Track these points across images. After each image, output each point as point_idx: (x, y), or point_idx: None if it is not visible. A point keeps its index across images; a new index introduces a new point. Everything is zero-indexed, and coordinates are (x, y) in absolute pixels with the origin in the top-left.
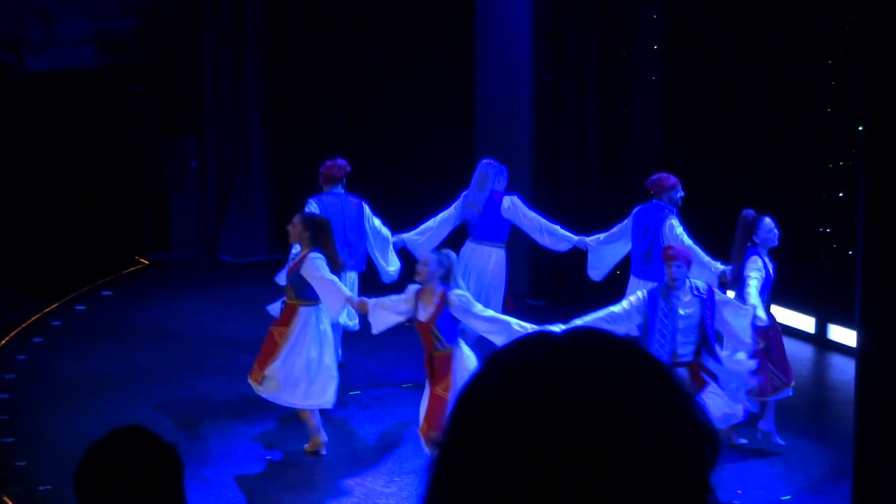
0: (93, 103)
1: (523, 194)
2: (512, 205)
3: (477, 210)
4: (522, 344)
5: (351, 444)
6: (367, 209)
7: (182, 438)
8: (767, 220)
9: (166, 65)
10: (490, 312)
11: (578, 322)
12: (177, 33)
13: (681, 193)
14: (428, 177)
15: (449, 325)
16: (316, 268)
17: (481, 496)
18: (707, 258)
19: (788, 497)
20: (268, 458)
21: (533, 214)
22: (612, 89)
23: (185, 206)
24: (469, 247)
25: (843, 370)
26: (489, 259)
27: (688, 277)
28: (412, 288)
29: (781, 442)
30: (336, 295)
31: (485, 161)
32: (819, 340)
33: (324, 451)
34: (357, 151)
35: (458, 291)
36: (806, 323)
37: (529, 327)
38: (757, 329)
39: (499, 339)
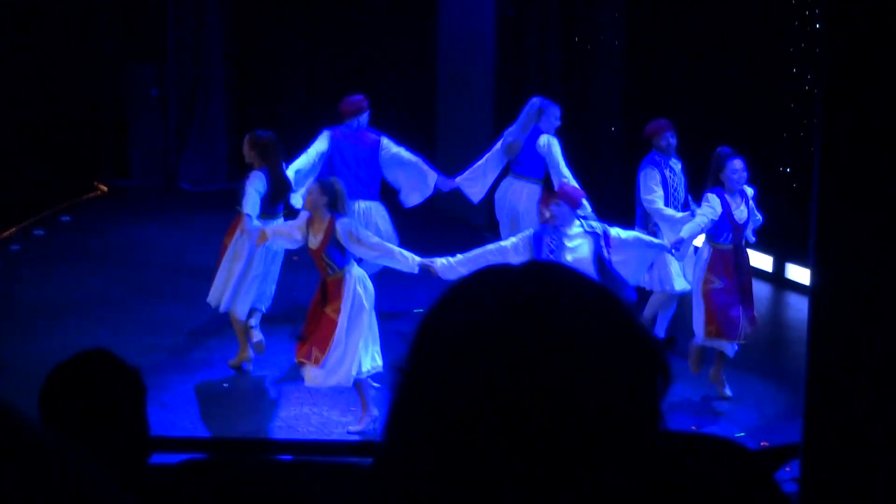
0: (54, 29)
1: (486, 130)
2: (547, 143)
3: (517, 147)
4: (482, 275)
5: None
6: (384, 142)
7: (140, 364)
8: (736, 161)
9: None
10: (375, 239)
11: (464, 256)
12: None
13: (666, 141)
14: (390, 113)
15: (337, 250)
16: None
17: (441, 423)
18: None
19: (742, 434)
20: (225, 385)
21: (559, 159)
22: (574, 23)
23: (145, 133)
24: (506, 181)
25: (800, 309)
26: (522, 194)
27: (577, 217)
28: (303, 215)
29: (729, 394)
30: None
31: (533, 99)
32: (776, 279)
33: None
34: (317, 84)
35: (345, 220)
36: (764, 262)
37: (411, 256)
38: (730, 266)
39: (387, 263)
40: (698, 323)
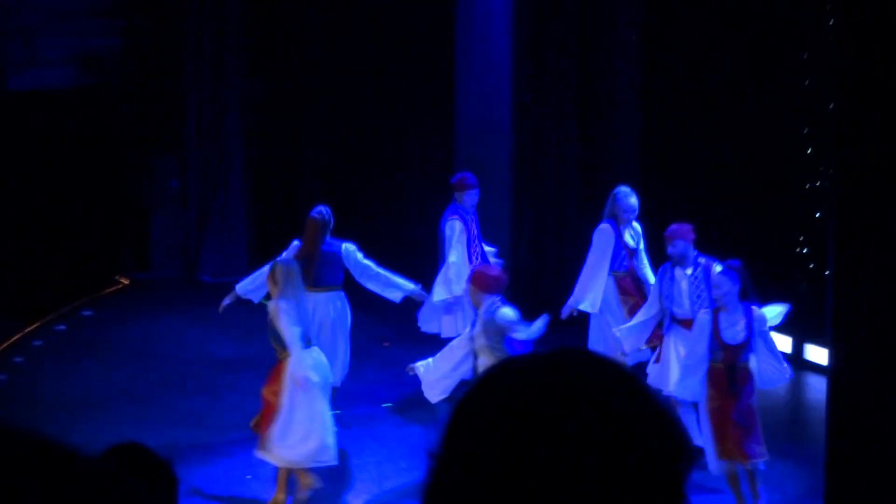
0: (74, 122)
1: (501, 215)
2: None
3: None
4: (513, 363)
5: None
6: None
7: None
8: (623, 188)
9: (147, 84)
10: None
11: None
12: (158, 53)
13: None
14: (410, 199)
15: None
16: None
17: None
18: None
19: None
20: (249, 476)
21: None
22: (590, 110)
23: (166, 225)
24: None
25: (820, 390)
26: None
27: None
28: None
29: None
30: None
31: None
32: (796, 360)
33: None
34: (339, 174)
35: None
36: (783, 343)
37: None
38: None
39: None
40: None
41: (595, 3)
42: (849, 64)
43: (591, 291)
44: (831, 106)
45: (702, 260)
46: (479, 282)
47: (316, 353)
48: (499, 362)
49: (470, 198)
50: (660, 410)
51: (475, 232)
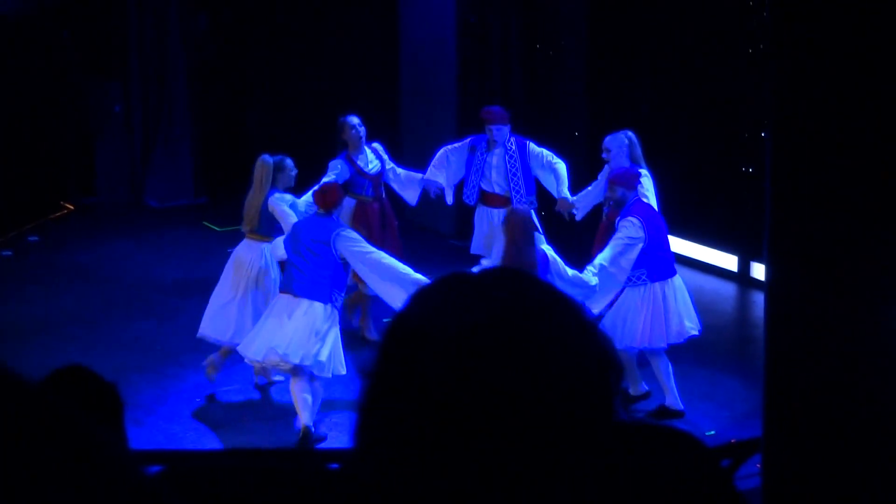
0: (16, 48)
1: (448, 138)
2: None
3: None
4: (444, 282)
5: (280, 384)
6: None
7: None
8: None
9: (89, 9)
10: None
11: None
12: None
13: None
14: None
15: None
16: None
17: (408, 424)
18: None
19: (713, 432)
20: (198, 399)
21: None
22: (537, 31)
23: (111, 150)
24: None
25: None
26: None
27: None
28: None
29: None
30: None
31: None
32: (742, 278)
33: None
34: (281, 95)
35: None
36: (729, 261)
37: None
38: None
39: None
40: None
41: None
42: None
43: None
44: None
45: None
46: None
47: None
48: (436, 279)
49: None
50: (591, 326)
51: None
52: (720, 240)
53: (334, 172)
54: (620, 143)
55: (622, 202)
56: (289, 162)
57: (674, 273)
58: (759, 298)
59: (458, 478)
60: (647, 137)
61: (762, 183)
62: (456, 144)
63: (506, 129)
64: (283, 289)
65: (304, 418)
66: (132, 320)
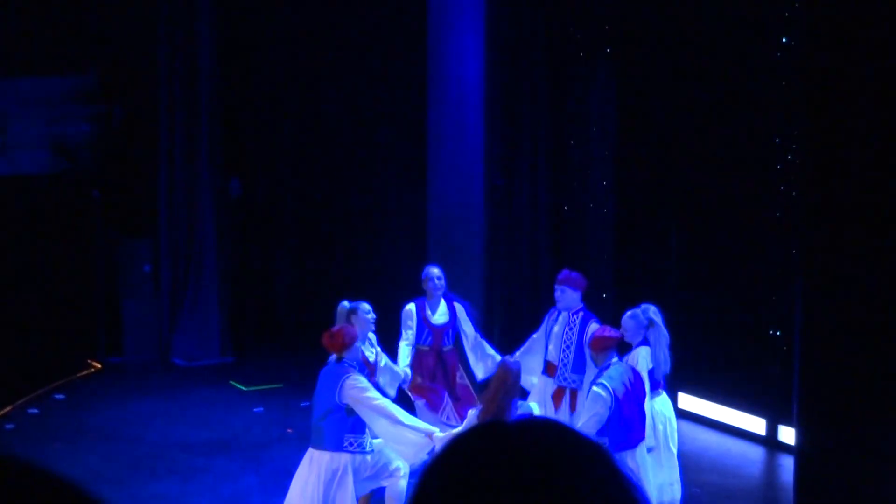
0: (47, 207)
1: (475, 299)
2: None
3: None
4: (480, 431)
5: None
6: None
7: None
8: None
9: (120, 169)
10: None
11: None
12: (131, 138)
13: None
14: (384, 281)
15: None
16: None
17: None
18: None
19: None
20: None
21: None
22: (564, 193)
23: (139, 309)
24: None
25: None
26: None
27: None
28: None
29: None
30: None
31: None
32: (770, 442)
33: None
34: (312, 258)
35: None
36: (756, 425)
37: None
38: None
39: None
40: None
41: (566, 84)
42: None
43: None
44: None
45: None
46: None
47: None
48: (468, 429)
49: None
50: (624, 479)
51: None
52: (747, 402)
53: (409, 322)
54: (637, 324)
55: (599, 364)
56: (365, 306)
57: (639, 441)
58: (786, 462)
59: None
60: (674, 300)
61: (790, 346)
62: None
63: (573, 295)
64: (311, 444)
65: None
66: (156, 479)
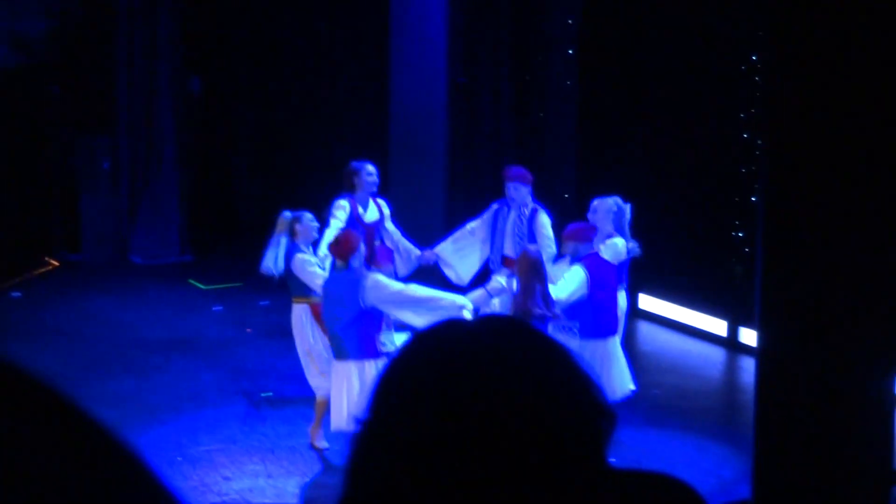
0: (4, 103)
1: (437, 197)
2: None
3: None
4: (438, 329)
5: (264, 443)
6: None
7: None
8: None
9: (79, 65)
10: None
11: None
12: (89, 33)
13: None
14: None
15: None
16: None
17: (400, 468)
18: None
19: None
20: (179, 458)
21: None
22: (526, 93)
23: (97, 206)
24: None
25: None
26: None
27: None
28: None
29: None
30: None
31: None
32: (731, 343)
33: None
34: (272, 156)
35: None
36: (718, 326)
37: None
38: None
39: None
40: None
41: None
42: (780, 49)
43: None
44: (761, 92)
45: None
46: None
47: None
48: (426, 327)
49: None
50: (583, 374)
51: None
52: (709, 304)
53: (342, 212)
54: (608, 209)
55: (575, 257)
56: (308, 215)
57: (610, 334)
58: (747, 364)
59: None
60: (637, 200)
61: (752, 248)
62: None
63: (524, 190)
64: (337, 356)
65: None
66: (113, 377)
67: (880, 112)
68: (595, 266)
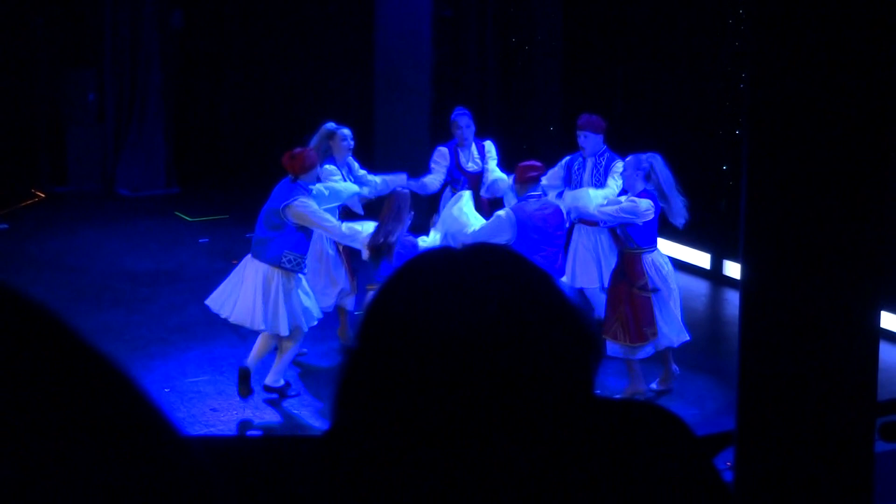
0: None
1: (423, 133)
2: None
3: None
4: (427, 258)
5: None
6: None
7: None
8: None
9: None
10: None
11: None
12: None
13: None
14: (329, 114)
15: None
16: None
17: (389, 396)
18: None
19: None
20: (166, 389)
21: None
22: (512, 25)
23: (83, 139)
24: None
25: (738, 305)
26: None
27: None
28: None
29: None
30: None
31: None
32: (715, 276)
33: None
34: (257, 88)
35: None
36: (702, 259)
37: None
38: None
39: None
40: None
41: None
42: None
43: None
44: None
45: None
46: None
47: None
48: (416, 255)
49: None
50: (569, 304)
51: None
52: (693, 237)
53: (442, 160)
54: (636, 165)
55: (520, 195)
56: (345, 132)
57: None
58: (731, 296)
59: (437, 452)
60: (621, 132)
61: (736, 181)
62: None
63: (595, 139)
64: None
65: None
66: (101, 310)
67: (867, 43)
68: (524, 216)
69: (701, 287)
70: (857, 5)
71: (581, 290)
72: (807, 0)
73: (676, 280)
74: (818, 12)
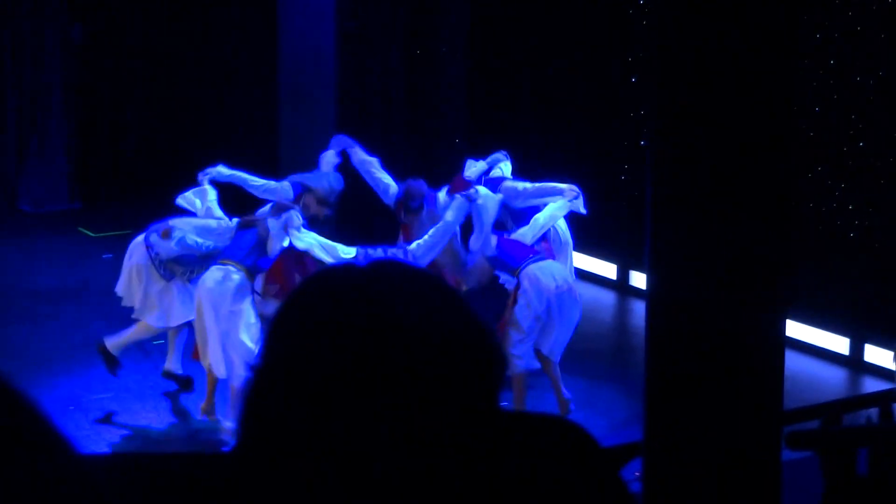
0: None
1: (327, 144)
2: None
3: None
4: (326, 274)
5: (156, 391)
6: None
7: None
8: None
9: None
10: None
11: None
12: None
13: None
14: (233, 128)
15: None
16: None
17: (292, 411)
18: None
19: None
20: (71, 407)
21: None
22: (417, 38)
23: None
24: None
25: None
26: None
27: None
28: None
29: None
30: None
31: None
32: (621, 287)
33: None
34: (160, 103)
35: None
36: (608, 270)
37: None
38: None
39: None
40: None
41: None
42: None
43: None
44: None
45: None
46: None
47: None
48: (316, 271)
49: None
50: (476, 321)
51: None
52: (598, 248)
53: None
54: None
55: None
56: None
57: None
58: (637, 306)
59: (342, 461)
60: (527, 145)
61: (640, 191)
62: None
63: None
64: None
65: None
66: (4, 326)
67: (769, 50)
68: None
69: (607, 298)
70: (759, 15)
71: None
72: (710, 10)
73: (581, 291)
74: (722, 21)
